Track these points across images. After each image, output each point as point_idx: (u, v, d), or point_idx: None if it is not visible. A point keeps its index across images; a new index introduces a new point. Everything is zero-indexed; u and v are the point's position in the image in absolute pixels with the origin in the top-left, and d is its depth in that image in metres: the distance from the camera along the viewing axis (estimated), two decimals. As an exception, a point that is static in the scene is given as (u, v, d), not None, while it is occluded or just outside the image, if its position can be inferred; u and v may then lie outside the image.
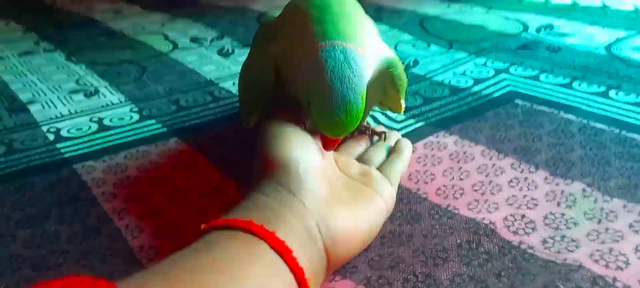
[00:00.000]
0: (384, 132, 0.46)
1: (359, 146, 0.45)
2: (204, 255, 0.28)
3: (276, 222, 0.30)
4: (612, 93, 0.59)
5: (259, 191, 0.33)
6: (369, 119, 0.56)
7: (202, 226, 0.31)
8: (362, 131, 0.47)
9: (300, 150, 0.34)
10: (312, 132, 0.37)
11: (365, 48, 0.36)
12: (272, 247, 0.28)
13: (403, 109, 0.43)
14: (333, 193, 0.34)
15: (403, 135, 0.53)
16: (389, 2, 1.11)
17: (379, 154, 0.43)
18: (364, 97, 0.34)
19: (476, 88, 0.64)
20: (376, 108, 0.51)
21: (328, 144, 0.37)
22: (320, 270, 0.32)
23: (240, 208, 0.32)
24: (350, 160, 0.41)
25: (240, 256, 0.28)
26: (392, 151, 0.44)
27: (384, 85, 0.40)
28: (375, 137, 0.46)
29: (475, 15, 0.96)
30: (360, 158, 0.43)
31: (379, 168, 0.41)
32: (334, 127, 0.34)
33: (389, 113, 0.58)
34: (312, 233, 0.31)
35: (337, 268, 0.35)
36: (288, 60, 0.38)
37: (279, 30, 0.41)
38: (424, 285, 0.34)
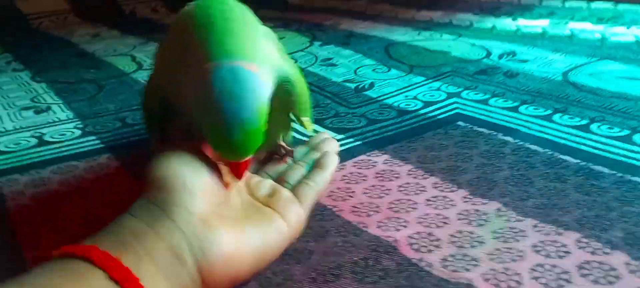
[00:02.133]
0: (291, 151, 0.43)
1: (279, 165, 0.43)
2: (27, 284, 0.26)
3: (129, 246, 0.28)
4: (556, 116, 0.58)
5: (129, 212, 0.31)
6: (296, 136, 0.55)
7: (53, 252, 0.29)
8: (273, 151, 0.44)
9: (184, 167, 0.32)
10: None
11: (259, 63, 0.33)
12: (110, 276, 0.26)
13: (310, 126, 0.41)
14: (220, 212, 0.32)
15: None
16: (360, 29, 1.11)
17: (296, 172, 0.41)
18: (264, 114, 0.32)
19: (423, 111, 0.63)
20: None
21: (234, 170, 0.34)
22: None
23: (100, 233, 0.30)
24: (264, 180, 0.39)
25: (62, 286, 0.25)
26: (315, 166, 0.42)
27: (286, 101, 0.39)
28: (293, 156, 0.43)
29: (442, 42, 0.96)
30: (280, 179, 0.40)
31: (296, 186, 0.39)
32: (231, 149, 0.32)
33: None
34: (181, 255, 0.29)
35: None
36: (175, 88, 0.36)
37: (165, 53, 0.39)
38: (309, 301, 0.33)
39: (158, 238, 0.29)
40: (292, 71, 0.39)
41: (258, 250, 0.33)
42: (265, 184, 0.38)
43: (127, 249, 0.28)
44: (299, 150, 0.44)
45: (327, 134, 0.47)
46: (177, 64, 0.35)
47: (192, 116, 0.34)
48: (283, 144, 0.43)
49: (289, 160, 0.43)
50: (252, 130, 0.31)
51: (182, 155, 0.33)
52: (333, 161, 0.42)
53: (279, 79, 0.37)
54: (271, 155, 0.44)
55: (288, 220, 0.35)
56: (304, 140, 0.46)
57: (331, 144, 0.45)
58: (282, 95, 0.37)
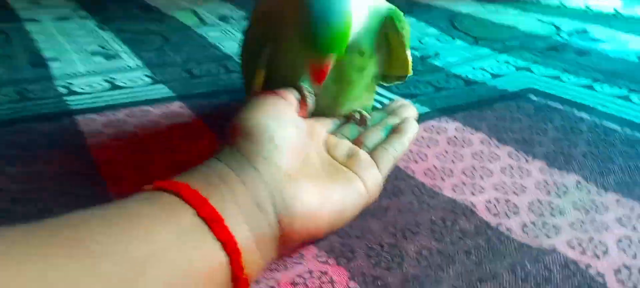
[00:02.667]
0: (366, 116, 0.42)
1: (356, 129, 0.41)
2: (112, 211, 0.26)
3: (216, 188, 0.29)
4: (634, 97, 0.56)
5: (216, 157, 0.31)
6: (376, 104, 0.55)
7: (144, 187, 0.29)
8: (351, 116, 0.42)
9: (271, 119, 0.33)
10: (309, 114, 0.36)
11: None
12: (198, 214, 0.27)
13: (410, 67, 0.41)
14: (303, 168, 0.33)
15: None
16: (422, -2, 1.09)
17: (374, 135, 0.40)
18: (349, 18, 0.32)
19: (492, 82, 0.62)
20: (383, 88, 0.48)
21: (316, 73, 0.34)
22: (270, 245, 0.30)
23: (188, 172, 0.30)
24: (342, 140, 0.39)
25: (150, 217, 0.26)
26: (393, 131, 0.40)
27: (387, 39, 0.39)
28: (367, 122, 0.42)
29: (508, 16, 0.93)
30: (357, 141, 0.39)
31: (373, 150, 0.38)
32: (317, 43, 0.32)
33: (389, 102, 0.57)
34: (263, 204, 0.29)
35: (297, 245, 0.32)
36: (277, 10, 0.37)
37: None
38: (388, 255, 0.33)
39: (243, 186, 0.29)
40: (393, 6, 0.39)
41: (337, 208, 0.33)
42: (344, 145, 0.38)
43: (214, 190, 0.28)
44: (376, 115, 0.43)
45: (404, 100, 0.45)
46: None
47: (289, 27, 0.35)
48: (360, 109, 0.42)
49: (367, 123, 0.42)
50: (337, 29, 0.32)
51: (271, 107, 0.33)
52: (413, 127, 0.41)
53: (380, 11, 0.37)
54: (348, 119, 0.43)
55: (366, 182, 0.35)
56: (381, 106, 0.46)
57: (409, 109, 0.44)
58: (381, 33, 0.38)
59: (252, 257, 0.28)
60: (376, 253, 0.33)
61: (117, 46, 0.77)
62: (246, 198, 0.29)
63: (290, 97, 0.36)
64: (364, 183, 0.35)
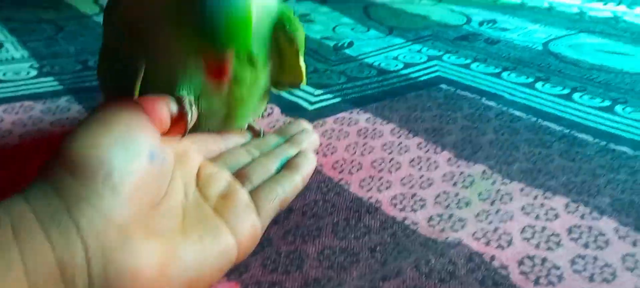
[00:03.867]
0: (260, 129, 0.36)
1: (242, 156, 0.33)
2: None
3: (1, 247, 0.21)
4: (538, 85, 0.57)
5: (23, 194, 0.23)
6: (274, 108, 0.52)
7: None
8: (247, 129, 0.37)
9: (115, 147, 0.24)
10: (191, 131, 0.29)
11: None
12: None
13: (304, 76, 0.35)
14: (151, 217, 0.25)
15: (315, 110, 0.50)
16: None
17: (262, 169, 0.32)
18: (250, 5, 0.26)
19: (405, 71, 0.61)
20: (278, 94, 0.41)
21: (214, 71, 0.26)
22: None
23: None
24: (220, 172, 0.31)
25: None
26: (286, 166, 0.33)
27: (277, 44, 0.34)
28: (260, 136, 0.36)
29: (421, 7, 0.93)
30: (241, 174, 0.31)
31: (258, 188, 0.30)
32: (213, 34, 0.25)
33: (301, 92, 0.55)
34: (72, 275, 0.21)
35: None
36: (144, 4, 0.29)
37: None
38: (287, 260, 0.31)
39: (48, 244, 0.21)
40: (283, 6, 0.34)
41: (190, 275, 0.25)
42: (221, 179, 0.30)
43: None
44: (270, 139, 0.36)
45: (306, 122, 0.38)
46: None
47: (168, 22, 0.27)
48: (253, 124, 0.37)
49: (253, 149, 0.34)
50: (238, 16, 0.26)
51: (122, 127, 0.25)
52: (309, 162, 0.33)
53: (270, 11, 0.32)
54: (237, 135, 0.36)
55: (239, 234, 0.27)
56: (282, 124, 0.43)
57: (310, 137, 0.36)
58: (273, 36, 0.33)
59: None
60: (272, 261, 0.31)
61: (1, 35, 0.69)
62: (47, 264, 0.21)
63: (159, 110, 0.28)
64: (235, 236, 0.27)
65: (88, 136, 0.24)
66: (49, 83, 0.54)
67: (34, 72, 0.57)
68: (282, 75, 0.36)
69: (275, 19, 0.32)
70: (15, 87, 0.53)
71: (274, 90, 0.38)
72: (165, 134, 0.29)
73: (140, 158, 0.24)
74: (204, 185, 0.29)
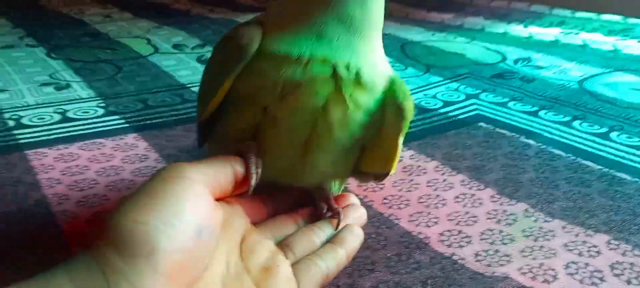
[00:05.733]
0: (339, 215, 0.33)
1: (288, 224, 0.33)
2: None
3: None
4: (576, 123, 0.60)
5: (67, 266, 0.22)
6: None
7: None
8: (315, 198, 0.35)
9: (162, 222, 0.23)
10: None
11: None
12: None
13: (396, 162, 0.32)
14: None
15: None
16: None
17: (306, 241, 0.32)
18: None
19: (444, 110, 0.64)
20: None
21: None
22: None
23: (26, 284, 0.22)
24: (263, 241, 0.30)
25: None
26: (331, 240, 0.32)
27: (382, 114, 0.31)
28: (328, 214, 0.34)
29: (457, 44, 0.96)
30: (284, 244, 0.31)
31: (301, 260, 0.30)
32: None
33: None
34: None
35: None
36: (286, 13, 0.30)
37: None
38: (347, 291, 0.34)
39: None
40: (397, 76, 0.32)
41: None
42: (263, 250, 0.30)
43: None
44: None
45: (353, 197, 0.37)
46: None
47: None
48: (332, 199, 0.34)
49: (300, 219, 0.33)
50: None
51: (172, 199, 0.24)
52: (356, 238, 0.33)
53: (389, 79, 0.31)
54: (304, 203, 0.35)
55: None
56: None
57: (357, 212, 0.35)
58: (387, 105, 0.30)
59: None
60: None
61: (68, 76, 0.75)
62: None
63: (221, 175, 0.28)
64: None
65: (136, 211, 0.24)
66: (115, 121, 0.59)
67: (101, 111, 0.62)
68: (372, 159, 0.33)
69: (386, 86, 0.31)
70: (86, 125, 0.58)
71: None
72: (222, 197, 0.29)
73: (187, 236, 0.24)
74: (247, 254, 0.29)
